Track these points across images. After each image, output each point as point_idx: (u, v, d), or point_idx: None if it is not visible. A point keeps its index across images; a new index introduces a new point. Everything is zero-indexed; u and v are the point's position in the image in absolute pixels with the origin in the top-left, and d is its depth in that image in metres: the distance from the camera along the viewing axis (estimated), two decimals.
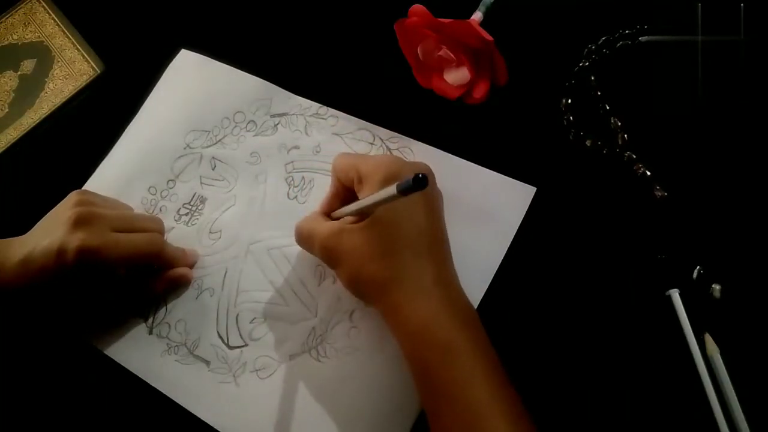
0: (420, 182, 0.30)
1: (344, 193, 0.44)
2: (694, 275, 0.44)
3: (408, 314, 0.38)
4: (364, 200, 0.40)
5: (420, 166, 0.43)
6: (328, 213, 0.45)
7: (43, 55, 0.57)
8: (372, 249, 0.39)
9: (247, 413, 0.44)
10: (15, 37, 0.57)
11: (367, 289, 0.41)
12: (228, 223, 0.50)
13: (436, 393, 0.37)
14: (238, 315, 0.47)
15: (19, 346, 0.48)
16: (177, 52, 0.55)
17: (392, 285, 0.39)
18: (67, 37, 0.57)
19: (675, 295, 0.43)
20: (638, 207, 0.46)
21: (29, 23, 0.58)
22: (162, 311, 0.48)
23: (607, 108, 0.49)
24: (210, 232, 0.50)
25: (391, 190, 0.33)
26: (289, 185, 0.50)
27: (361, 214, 0.41)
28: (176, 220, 0.51)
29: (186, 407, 0.45)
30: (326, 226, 0.42)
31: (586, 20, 0.52)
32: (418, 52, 0.49)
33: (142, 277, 0.47)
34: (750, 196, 0.46)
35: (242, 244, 0.49)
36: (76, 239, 0.41)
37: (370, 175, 0.41)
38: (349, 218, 0.42)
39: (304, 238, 0.45)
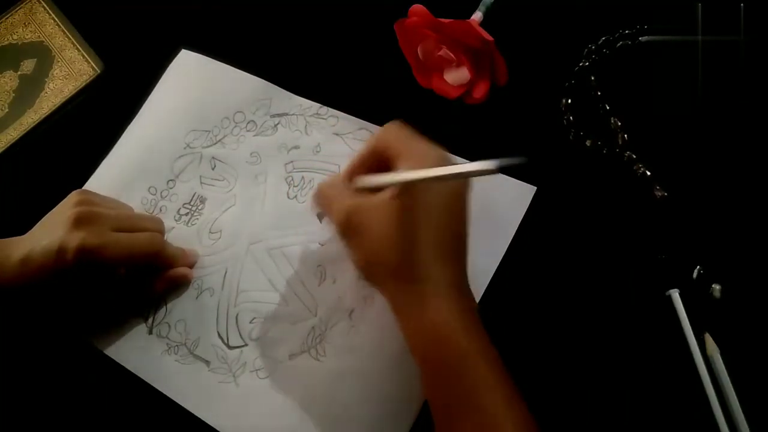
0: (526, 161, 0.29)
1: (373, 163, 0.41)
2: (694, 275, 0.44)
3: (420, 313, 0.37)
4: (443, 169, 0.36)
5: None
6: (350, 178, 0.42)
7: (43, 55, 0.57)
8: (397, 234, 0.37)
9: (247, 413, 0.44)
10: (15, 37, 0.57)
11: (380, 275, 0.39)
12: (228, 223, 0.50)
13: (451, 398, 0.37)
14: (238, 315, 0.47)
15: (19, 346, 0.48)
16: (177, 52, 0.55)
17: (407, 277, 0.38)
18: (67, 37, 0.57)
19: (675, 295, 0.43)
20: (638, 207, 0.46)
21: (29, 23, 0.58)
22: (162, 311, 0.48)
23: (607, 108, 0.49)
24: (210, 232, 0.50)
25: (490, 164, 0.30)
26: (289, 185, 0.50)
27: (398, 189, 0.38)
28: (176, 220, 0.51)
29: (186, 407, 0.45)
30: (350, 198, 0.40)
31: (586, 20, 0.52)
32: (418, 52, 0.49)
33: (142, 277, 0.47)
34: (750, 196, 0.46)
35: (242, 244, 0.49)
36: (76, 238, 0.41)
37: (421, 155, 0.38)
38: (390, 191, 0.38)
39: (321, 201, 0.42)
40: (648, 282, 0.44)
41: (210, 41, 0.55)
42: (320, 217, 0.47)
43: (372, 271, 0.40)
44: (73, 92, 0.55)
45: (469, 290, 0.40)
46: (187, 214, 0.51)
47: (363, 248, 0.39)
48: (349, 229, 0.39)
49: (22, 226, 0.45)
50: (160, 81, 0.55)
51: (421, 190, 0.38)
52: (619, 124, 0.48)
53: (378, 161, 0.41)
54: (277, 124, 0.52)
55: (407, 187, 0.38)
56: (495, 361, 0.37)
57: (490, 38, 0.45)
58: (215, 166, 0.52)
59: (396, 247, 0.37)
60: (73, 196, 0.45)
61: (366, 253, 0.39)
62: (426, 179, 0.37)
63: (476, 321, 0.38)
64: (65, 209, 0.43)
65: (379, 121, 0.50)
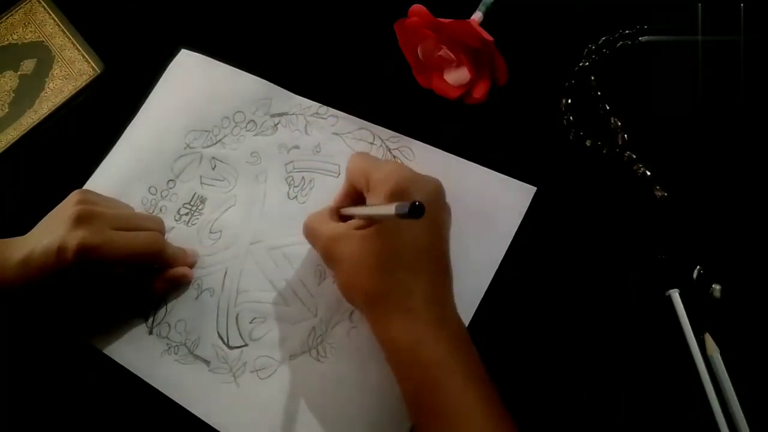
0: (416, 211, 0.30)
1: (355, 193, 0.44)
2: (694, 275, 0.44)
3: (396, 331, 0.38)
4: (367, 209, 0.40)
5: (430, 183, 0.42)
6: (337, 209, 0.45)
7: (43, 55, 0.57)
8: (368, 260, 0.39)
9: (247, 413, 0.44)
10: (15, 37, 0.57)
11: (358, 298, 0.41)
12: (228, 223, 0.50)
13: (424, 410, 0.37)
14: (238, 315, 0.47)
15: (19, 346, 0.48)
16: (177, 52, 0.55)
17: (383, 300, 0.39)
18: (67, 37, 0.57)
19: (675, 295, 0.43)
20: (638, 207, 0.46)
21: (29, 23, 0.58)
22: (162, 311, 0.48)
23: (607, 108, 0.49)
24: (210, 232, 0.50)
25: (390, 209, 0.33)
26: (289, 185, 0.50)
27: (367, 220, 0.41)
28: (176, 220, 0.51)
29: (186, 407, 0.45)
30: (330, 227, 0.42)
31: (586, 20, 0.52)
32: (418, 52, 0.49)
33: (142, 276, 0.47)
34: (750, 196, 0.46)
35: (242, 244, 0.49)
36: (77, 237, 0.41)
37: (379, 185, 0.40)
38: (355, 222, 0.41)
39: (308, 234, 0.45)
40: (648, 282, 0.44)
41: (210, 41, 0.55)
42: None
43: (350, 296, 0.41)
44: (73, 92, 0.55)
45: (449, 304, 0.40)
46: (187, 214, 0.51)
47: (341, 274, 0.41)
48: (329, 258, 0.42)
49: (22, 226, 0.45)
50: (160, 81, 0.55)
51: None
52: (619, 124, 0.48)
53: (357, 191, 0.44)
54: (277, 123, 0.52)
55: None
56: (470, 371, 0.37)
57: (490, 38, 0.45)
58: (215, 166, 0.52)
59: (366, 272, 0.39)
60: (73, 196, 0.45)
61: (344, 279, 0.41)
62: (363, 216, 0.40)
63: (451, 334, 0.38)
64: (66, 208, 0.43)
65: (379, 121, 0.50)
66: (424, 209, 0.30)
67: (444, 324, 0.39)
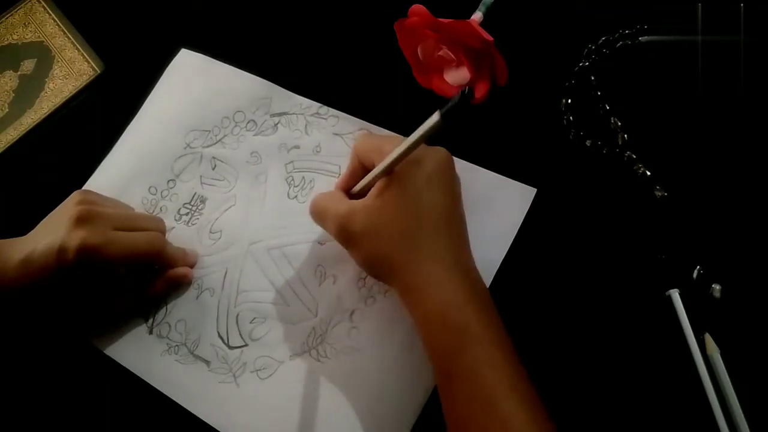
0: (465, 97, 0.30)
1: (362, 173, 0.44)
2: (694, 275, 0.44)
3: (425, 296, 0.39)
4: (397, 149, 0.39)
5: (441, 152, 0.42)
6: (345, 190, 0.45)
7: (43, 55, 0.57)
8: (391, 228, 0.39)
9: (247, 413, 0.44)
10: (15, 37, 0.57)
11: (384, 268, 0.41)
12: (228, 223, 0.50)
13: (451, 375, 0.37)
14: (238, 315, 0.47)
15: (19, 346, 0.48)
16: (177, 52, 0.56)
17: (410, 266, 0.39)
18: (67, 37, 0.57)
19: (675, 295, 0.43)
20: (638, 207, 0.46)
21: (29, 23, 0.58)
22: (162, 311, 0.48)
23: (607, 108, 0.49)
24: (210, 232, 0.50)
25: (434, 118, 0.32)
26: (289, 185, 0.50)
27: (379, 188, 0.40)
28: (176, 220, 0.51)
29: (186, 407, 0.45)
30: (344, 205, 0.42)
31: (586, 20, 0.52)
32: (418, 52, 0.49)
33: (143, 276, 0.47)
34: (750, 196, 0.46)
35: (242, 244, 0.49)
36: (77, 237, 0.41)
37: (389, 152, 0.40)
38: (369, 197, 0.41)
39: (317, 214, 0.44)
40: (648, 282, 0.44)
41: (210, 41, 0.55)
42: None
43: (375, 269, 0.42)
44: (73, 92, 0.55)
45: (473, 267, 0.41)
46: (187, 214, 0.51)
47: (361, 249, 0.41)
48: (345, 234, 0.41)
49: (22, 226, 0.45)
50: (160, 81, 0.55)
51: (401, 184, 0.40)
52: (619, 124, 0.48)
53: (364, 170, 0.43)
54: (278, 123, 0.52)
55: (386, 183, 0.40)
56: (497, 336, 0.38)
57: (490, 38, 0.45)
58: (215, 165, 0.52)
59: (390, 240, 0.39)
60: (74, 196, 0.45)
61: (365, 253, 0.41)
62: (395, 160, 0.39)
63: (478, 297, 0.39)
64: (66, 209, 0.43)
65: (379, 122, 0.50)
66: (473, 92, 0.30)
67: (471, 287, 0.39)
